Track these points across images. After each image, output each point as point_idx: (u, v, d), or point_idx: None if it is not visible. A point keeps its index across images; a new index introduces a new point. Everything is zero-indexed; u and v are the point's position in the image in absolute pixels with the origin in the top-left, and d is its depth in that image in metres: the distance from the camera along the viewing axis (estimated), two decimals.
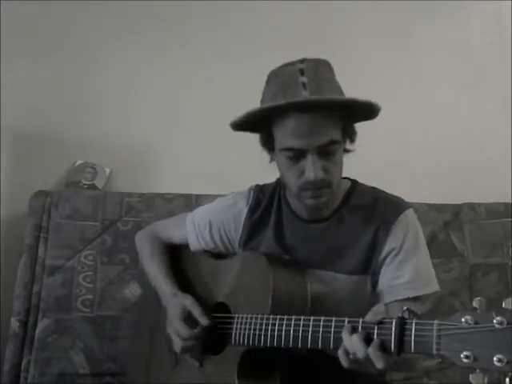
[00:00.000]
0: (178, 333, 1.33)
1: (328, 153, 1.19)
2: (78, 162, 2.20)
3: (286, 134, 1.19)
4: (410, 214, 1.31)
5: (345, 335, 1.00)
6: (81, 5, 2.22)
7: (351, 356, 1.00)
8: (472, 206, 2.13)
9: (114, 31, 2.25)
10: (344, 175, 1.31)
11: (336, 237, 1.30)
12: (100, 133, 2.23)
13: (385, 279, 1.26)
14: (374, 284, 1.28)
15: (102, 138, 2.23)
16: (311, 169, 1.18)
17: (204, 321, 1.30)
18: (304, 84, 1.17)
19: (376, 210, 1.30)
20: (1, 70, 2.16)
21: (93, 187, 2.17)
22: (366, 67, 2.30)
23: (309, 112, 1.16)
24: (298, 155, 1.20)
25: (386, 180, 2.17)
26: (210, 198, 1.98)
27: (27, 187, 2.07)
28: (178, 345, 1.34)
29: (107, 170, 2.21)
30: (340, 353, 1.02)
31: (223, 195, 1.63)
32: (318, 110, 1.16)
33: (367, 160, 2.11)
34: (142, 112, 2.26)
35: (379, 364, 0.96)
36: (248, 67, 2.14)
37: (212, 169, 2.18)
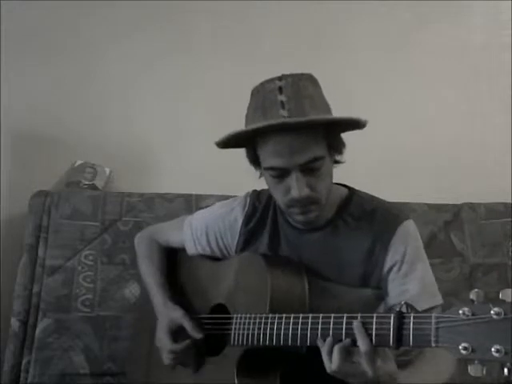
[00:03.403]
0: (163, 346, 1.34)
1: (312, 169, 1.17)
2: (78, 162, 2.20)
3: (268, 153, 1.18)
4: (409, 225, 1.28)
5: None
6: (81, 5, 2.22)
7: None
8: (472, 206, 2.12)
9: (115, 32, 2.25)
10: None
11: (331, 247, 1.28)
12: (100, 133, 2.23)
13: (393, 295, 1.24)
14: (379, 298, 1.27)
15: (102, 138, 2.23)
16: (295, 187, 1.16)
17: (197, 334, 1.31)
18: (282, 103, 1.14)
19: (374, 221, 1.27)
20: (1, 70, 2.16)
21: (93, 187, 2.16)
22: (366, 67, 2.30)
23: (288, 132, 1.14)
24: (281, 174, 1.18)
25: (386, 180, 2.20)
26: (210, 198, 2.00)
27: (27, 187, 2.07)
28: (164, 357, 1.35)
29: (107, 170, 2.21)
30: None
31: (223, 195, 1.62)
32: (297, 128, 1.13)
33: (367, 160, 2.12)
34: (142, 112, 2.26)
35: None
36: (248, 68, 2.13)
37: (212, 169, 2.17)
